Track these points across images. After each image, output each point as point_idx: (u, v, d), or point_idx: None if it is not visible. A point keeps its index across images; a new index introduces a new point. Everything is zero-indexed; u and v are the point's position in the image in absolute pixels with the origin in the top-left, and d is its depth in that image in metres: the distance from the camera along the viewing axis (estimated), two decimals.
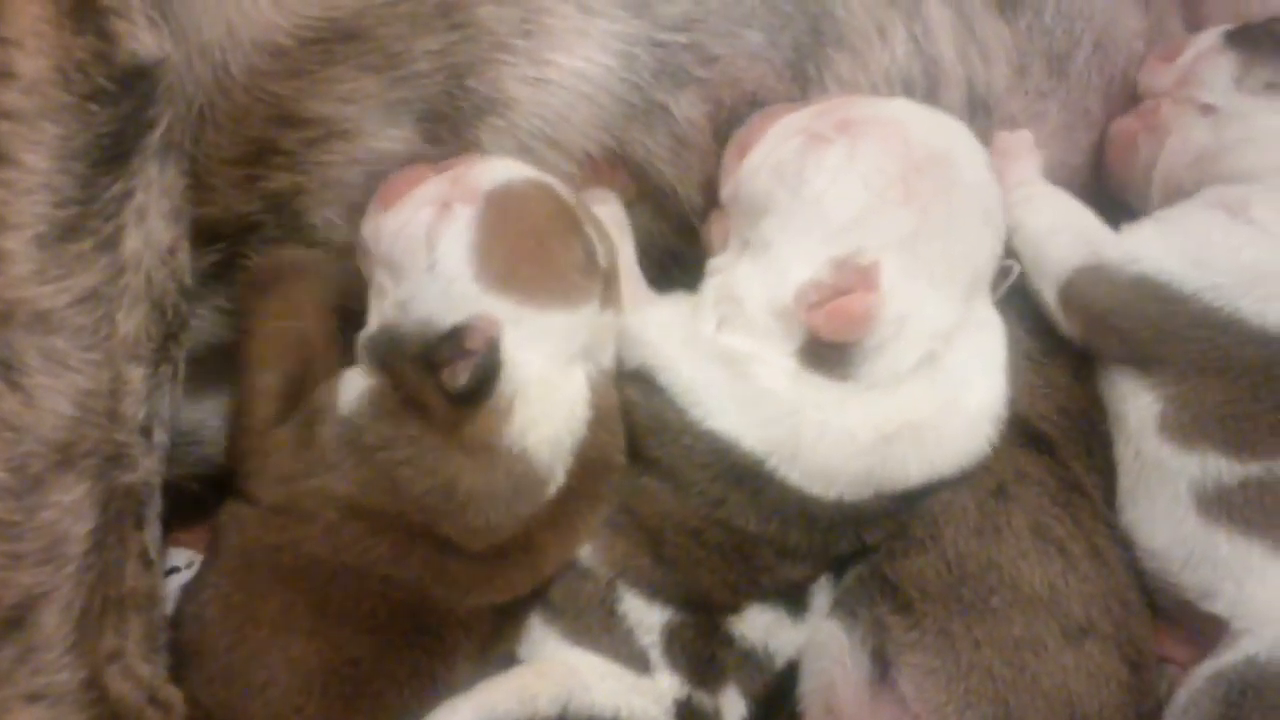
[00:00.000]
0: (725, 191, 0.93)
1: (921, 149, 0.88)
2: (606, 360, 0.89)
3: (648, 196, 0.96)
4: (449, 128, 0.91)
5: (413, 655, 0.84)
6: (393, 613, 0.84)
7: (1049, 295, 0.93)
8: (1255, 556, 0.86)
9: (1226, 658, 0.84)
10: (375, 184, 0.90)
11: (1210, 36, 1.01)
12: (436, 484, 0.83)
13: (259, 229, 0.91)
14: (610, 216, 0.93)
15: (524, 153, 0.92)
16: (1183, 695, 0.84)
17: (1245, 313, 0.89)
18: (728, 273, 0.90)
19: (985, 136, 0.95)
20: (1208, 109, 0.98)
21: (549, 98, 0.92)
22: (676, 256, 0.98)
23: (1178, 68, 1.01)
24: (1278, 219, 0.91)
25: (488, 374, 0.82)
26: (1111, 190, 1.06)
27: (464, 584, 0.85)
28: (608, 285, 0.88)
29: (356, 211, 0.90)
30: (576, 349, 0.87)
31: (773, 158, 0.89)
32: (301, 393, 0.88)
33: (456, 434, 0.83)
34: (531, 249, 0.86)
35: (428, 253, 0.85)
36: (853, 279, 0.84)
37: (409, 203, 0.87)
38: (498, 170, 0.88)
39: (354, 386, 0.86)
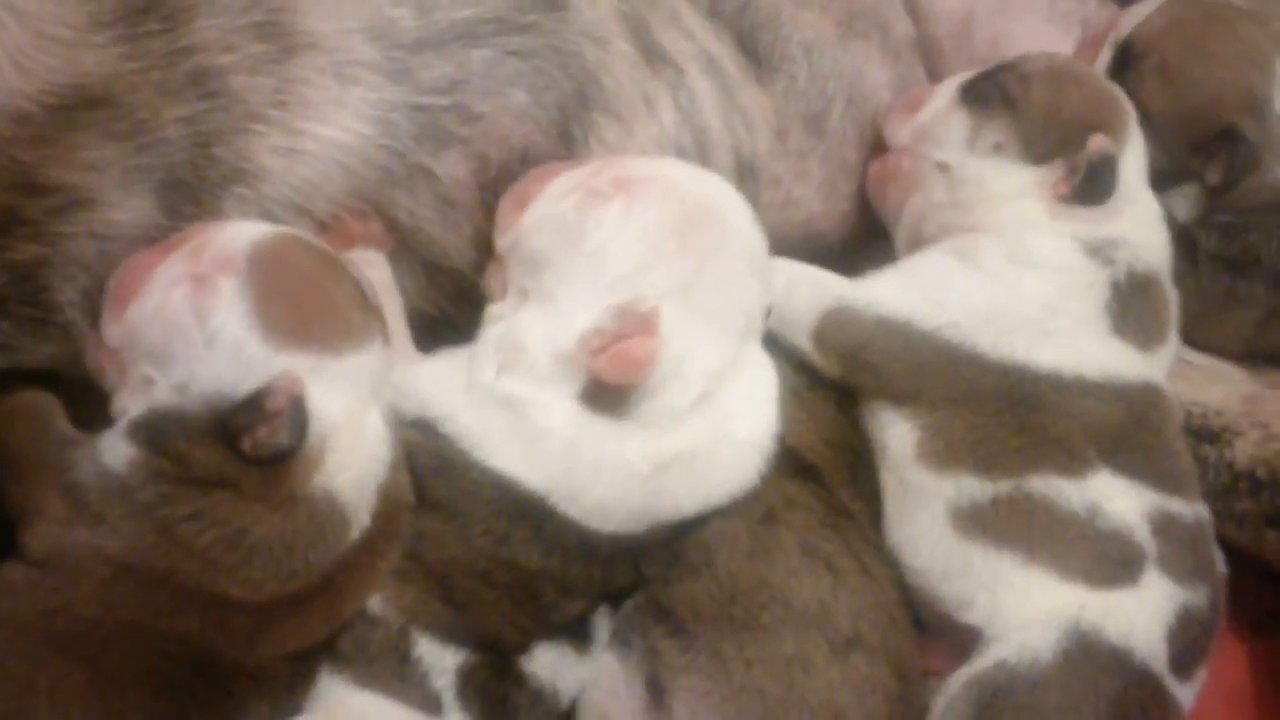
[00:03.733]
0: (504, 243, 0.96)
1: (694, 203, 0.93)
2: (387, 393, 0.90)
3: (415, 259, 0.97)
4: (190, 198, 0.91)
5: (199, 716, 0.83)
6: (175, 672, 0.82)
7: (803, 343, 1.00)
8: (1006, 567, 0.91)
9: (979, 663, 0.88)
10: (110, 263, 0.88)
11: (947, 92, 1.07)
12: (224, 535, 0.82)
13: (4, 303, 0.89)
14: (378, 279, 0.95)
15: (270, 221, 0.91)
16: (941, 702, 0.87)
17: (983, 348, 0.96)
18: (509, 320, 0.92)
19: (753, 198, 1.00)
20: (943, 166, 1.04)
21: (301, 168, 0.92)
22: (448, 320, 0.99)
23: (916, 125, 1.07)
24: (1005, 266, 0.98)
25: (300, 430, 0.82)
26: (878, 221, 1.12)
27: (251, 635, 0.84)
28: (381, 319, 0.90)
29: (93, 294, 0.88)
30: (372, 387, 0.88)
31: (553, 212, 0.93)
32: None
33: (263, 493, 0.83)
34: (313, 298, 0.86)
35: (200, 329, 0.84)
36: (633, 325, 0.88)
37: (153, 288, 0.86)
38: (240, 232, 0.88)
39: (119, 454, 0.84)
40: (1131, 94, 1.08)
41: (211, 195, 0.91)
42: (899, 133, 1.08)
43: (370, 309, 0.89)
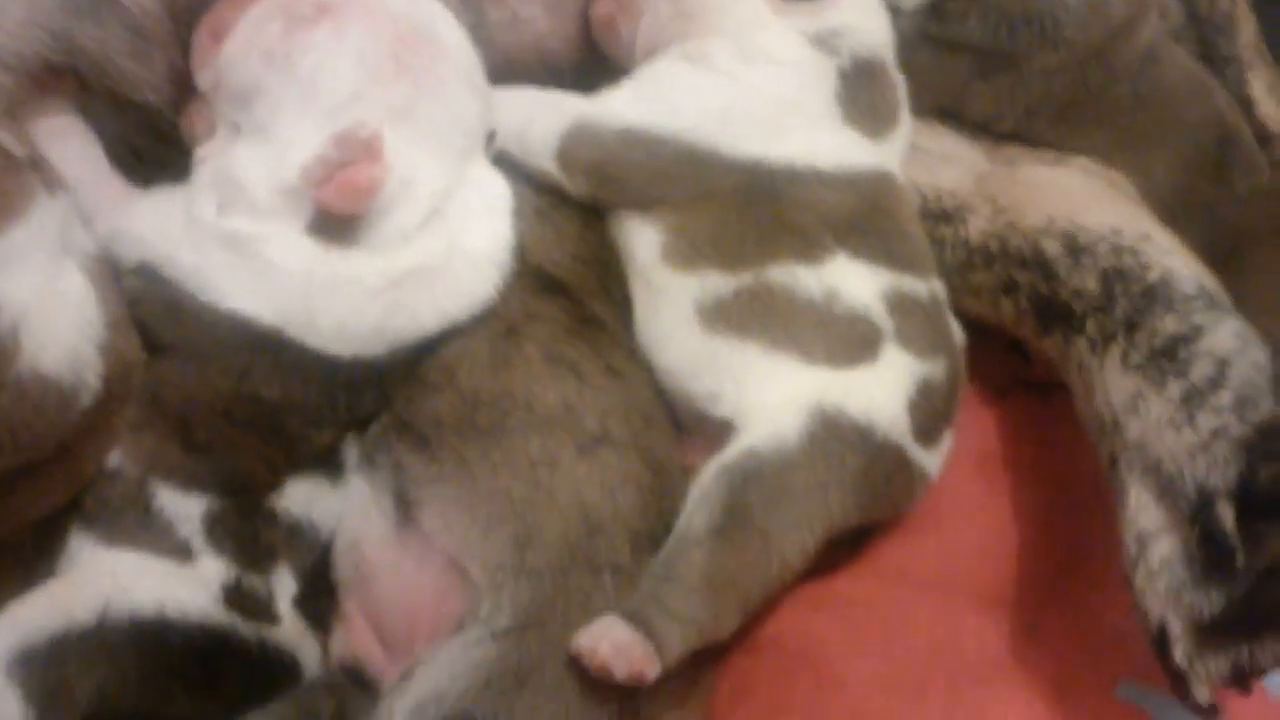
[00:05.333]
0: (204, 79, 0.92)
1: (406, 23, 0.92)
2: (88, 243, 0.86)
3: (106, 94, 0.93)
4: None
5: None
6: None
7: (549, 167, 0.99)
8: (750, 357, 0.93)
9: (729, 452, 0.90)
10: None
11: None
12: None
13: None
14: (67, 125, 0.91)
15: None
16: (695, 490, 0.89)
17: (722, 148, 0.96)
18: (222, 157, 0.90)
19: (480, 18, 0.98)
20: None
21: None
22: (141, 154, 0.95)
23: None
24: (736, 64, 0.99)
25: None
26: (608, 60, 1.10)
27: None
28: (38, 169, 0.86)
29: None
30: (54, 249, 0.83)
31: (256, 42, 0.90)
32: None
33: None
34: None
35: None
36: (356, 151, 0.86)
37: None
38: None
39: None
40: None
41: None
42: None
43: (18, 169, 0.84)
